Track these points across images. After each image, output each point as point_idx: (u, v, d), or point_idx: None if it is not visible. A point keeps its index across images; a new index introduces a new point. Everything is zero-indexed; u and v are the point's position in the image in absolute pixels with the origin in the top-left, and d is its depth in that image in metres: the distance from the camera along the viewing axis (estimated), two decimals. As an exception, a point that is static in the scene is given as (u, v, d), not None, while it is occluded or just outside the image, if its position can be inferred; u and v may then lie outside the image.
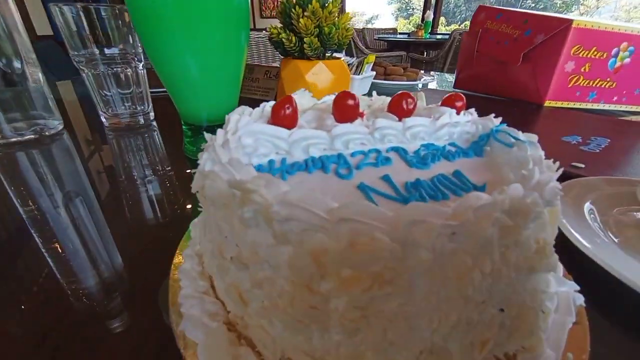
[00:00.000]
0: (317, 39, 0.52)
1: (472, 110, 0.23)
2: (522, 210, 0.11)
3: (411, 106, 0.21)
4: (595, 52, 0.51)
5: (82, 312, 0.19)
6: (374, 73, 0.71)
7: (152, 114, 0.53)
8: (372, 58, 0.68)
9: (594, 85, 0.54)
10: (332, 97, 0.23)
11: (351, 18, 0.57)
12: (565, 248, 0.20)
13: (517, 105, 0.57)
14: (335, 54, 0.60)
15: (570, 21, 0.50)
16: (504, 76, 0.62)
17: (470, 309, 0.11)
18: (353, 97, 0.20)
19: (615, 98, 0.55)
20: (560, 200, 0.24)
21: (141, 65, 0.48)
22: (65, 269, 0.22)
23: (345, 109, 0.20)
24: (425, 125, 0.20)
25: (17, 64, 0.41)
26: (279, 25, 0.56)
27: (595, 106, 0.56)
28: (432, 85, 0.85)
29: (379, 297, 0.11)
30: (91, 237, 0.26)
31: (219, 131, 0.18)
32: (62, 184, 0.34)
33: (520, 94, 0.59)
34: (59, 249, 0.24)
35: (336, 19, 0.54)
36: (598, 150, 0.36)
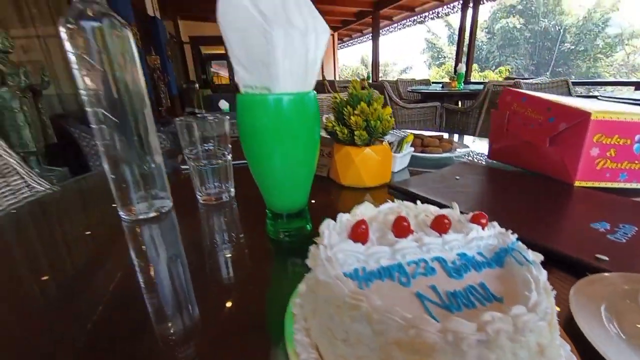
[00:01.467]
0: (365, 131, 0.64)
1: (495, 223, 0.31)
2: (522, 327, 0.19)
3: (448, 225, 0.30)
4: (618, 139, 0.57)
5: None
6: (412, 149, 0.81)
7: (233, 191, 0.66)
8: (410, 138, 0.78)
9: (622, 167, 0.59)
10: (387, 205, 0.33)
11: (391, 111, 0.68)
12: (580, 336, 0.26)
13: (548, 184, 0.63)
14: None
15: (589, 114, 0.57)
16: (534, 153, 0.69)
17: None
18: (406, 220, 0.29)
19: (647, 177, 0.59)
20: (578, 296, 0.31)
21: (230, 156, 0.63)
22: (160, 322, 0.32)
23: (401, 228, 0.29)
24: (459, 240, 0.29)
25: (149, 154, 0.56)
26: (332, 117, 0.69)
27: (627, 185, 0.60)
28: (467, 148, 0.93)
29: (434, 374, 0.19)
30: (185, 297, 0.36)
31: (321, 247, 0.27)
32: (174, 253, 0.46)
33: (551, 171, 0.65)
34: (160, 304, 0.35)
35: (380, 113, 0.66)
36: (624, 240, 0.41)
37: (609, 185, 0.60)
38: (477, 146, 1.03)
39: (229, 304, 0.36)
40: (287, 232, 0.48)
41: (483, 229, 0.30)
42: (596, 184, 0.60)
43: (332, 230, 0.30)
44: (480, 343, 0.19)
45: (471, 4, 6.06)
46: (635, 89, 4.31)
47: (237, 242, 0.49)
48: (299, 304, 0.30)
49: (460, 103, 4.91)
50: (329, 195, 0.68)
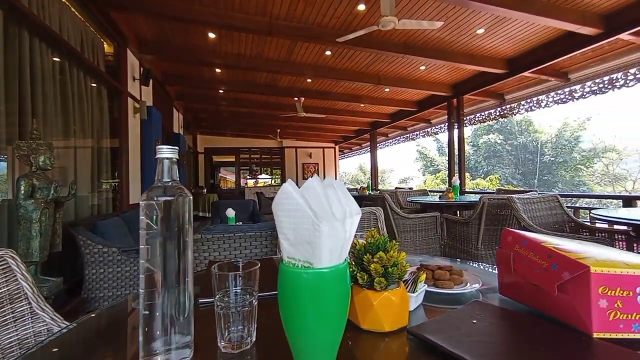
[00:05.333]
0: (383, 277, 0.69)
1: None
2: None
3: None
4: (621, 292, 0.61)
5: None
6: (426, 286, 0.84)
7: (254, 335, 0.66)
8: (423, 277, 0.83)
9: (633, 318, 0.61)
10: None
11: (405, 255, 0.75)
12: None
13: (567, 333, 0.64)
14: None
15: (587, 267, 0.62)
16: (546, 298, 0.71)
17: None
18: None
19: (661, 328, 0.61)
20: None
21: (256, 301, 0.66)
22: None
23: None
24: None
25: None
26: (354, 262, 0.75)
27: (644, 336, 0.61)
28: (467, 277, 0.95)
29: None
30: None
31: None
32: None
33: (566, 318, 0.67)
34: None
35: (396, 259, 0.72)
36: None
37: (625, 336, 0.61)
38: (487, 278, 1.06)
39: None
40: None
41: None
42: (613, 335, 0.61)
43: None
44: None
45: (456, 126, 7.03)
46: (624, 205, 4.55)
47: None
48: None
49: (458, 212, 5.13)
50: (348, 340, 0.68)
